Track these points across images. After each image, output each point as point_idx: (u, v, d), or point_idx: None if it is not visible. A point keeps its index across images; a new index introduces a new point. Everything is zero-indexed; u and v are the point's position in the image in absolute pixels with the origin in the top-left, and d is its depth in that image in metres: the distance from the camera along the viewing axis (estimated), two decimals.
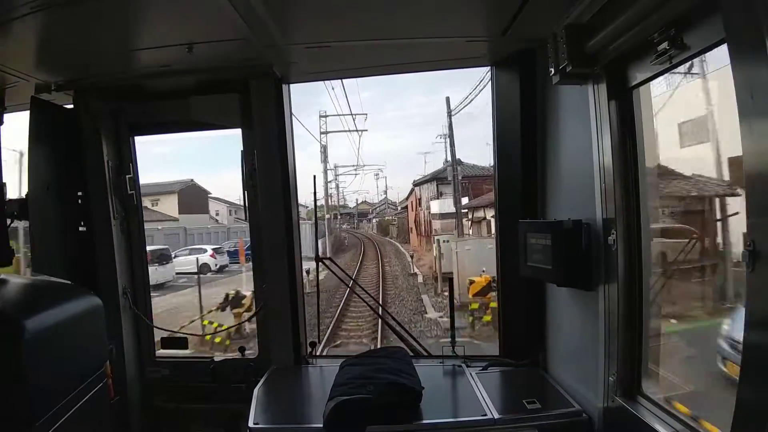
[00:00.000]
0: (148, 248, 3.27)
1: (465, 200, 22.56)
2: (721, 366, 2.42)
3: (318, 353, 2.96)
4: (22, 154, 2.67)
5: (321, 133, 28.01)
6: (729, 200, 2.72)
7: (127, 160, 2.92)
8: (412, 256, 23.50)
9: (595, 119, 1.91)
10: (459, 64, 2.81)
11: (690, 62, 1.55)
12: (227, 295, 11.39)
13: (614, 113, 1.85)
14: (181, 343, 3.31)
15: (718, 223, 2.88)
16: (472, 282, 11.73)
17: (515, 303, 2.72)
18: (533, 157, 2.56)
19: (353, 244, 37.78)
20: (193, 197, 33.38)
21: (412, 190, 37.73)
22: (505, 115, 2.66)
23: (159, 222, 25.28)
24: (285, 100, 2.78)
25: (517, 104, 2.58)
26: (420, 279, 18.77)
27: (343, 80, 17.76)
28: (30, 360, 1.48)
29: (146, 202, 15.27)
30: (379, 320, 10.32)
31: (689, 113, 2.42)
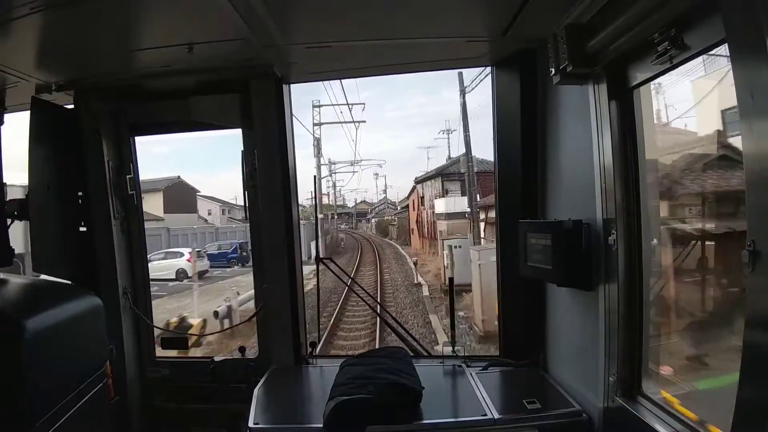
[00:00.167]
0: None
1: (465, 199, 19.67)
2: None
3: (318, 353, 2.95)
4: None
5: (314, 124, 25.95)
6: None
7: (127, 160, 2.92)
8: (415, 263, 20.33)
9: (596, 119, 1.91)
10: (459, 64, 2.82)
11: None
12: (167, 324, 7.72)
13: (614, 113, 1.84)
14: (181, 343, 3.32)
15: None
16: None
17: (515, 303, 2.72)
18: (533, 157, 2.55)
19: (350, 247, 34.66)
20: (179, 195, 31.60)
21: (413, 188, 35.05)
22: (505, 115, 2.66)
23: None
24: (285, 100, 2.78)
25: (517, 104, 2.58)
26: (426, 291, 15.75)
27: (342, 80, 17.37)
28: (30, 360, 1.48)
29: None
30: (377, 323, 10.14)
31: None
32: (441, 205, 25.33)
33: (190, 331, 8.21)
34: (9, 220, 2.52)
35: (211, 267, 21.49)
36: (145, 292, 3.05)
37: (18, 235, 2.54)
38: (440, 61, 2.80)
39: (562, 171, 2.33)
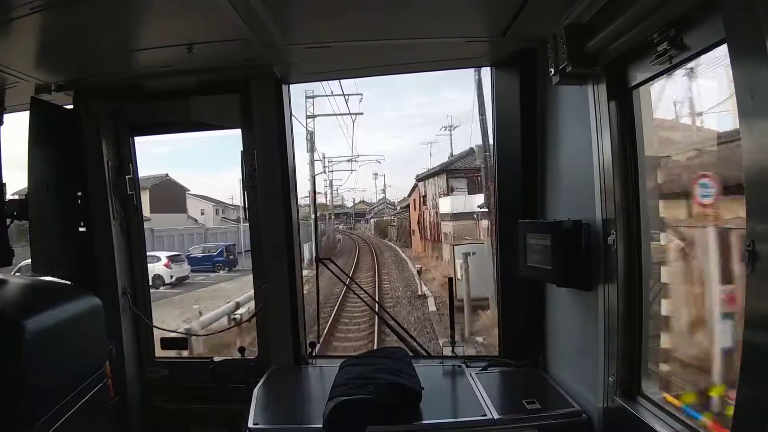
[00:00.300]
0: None
1: (481, 198, 16.87)
2: None
3: (317, 353, 2.95)
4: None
5: (307, 117, 23.04)
6: None
7: (126, 161, 2.92)
8: (419, 271, 17.06)
9: (595, 119, 1.91)
10: (459, 64, 2.82)
11: None
12: None
13: (614, 113, 1.85)
14: (181, 343, 3.31)
15: None
16: None
17: (515, 303, 2.72)
18: (533, 157, 2.56)
19: (346, 250, 31.54)
20: (167, 194, 29.40)
21: (414, 186, 32.13)
22: (505, 115, 2.66)
23: None
24: (285, 100, 2.78)
25: (517, 104, 2.58)
26: (432, 305, 13.17)
27: (341, 80, 16.95)
28: (30, 360, 1.48)
29: None
30: (375, 331, 9.85)
31: None
32: (446, 205, 22.56)
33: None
34: (9, 220, 2.52)
35: (194, 272, 19.79)
36: (145, 293, 3.05)
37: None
38: (440, 61, 2.80)
39: (562, 171, 2.34)
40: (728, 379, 1.68)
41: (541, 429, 2.00)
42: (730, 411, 1.36)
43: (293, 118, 3.00)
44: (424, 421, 2.02)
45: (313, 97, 22.63)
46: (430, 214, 26.86)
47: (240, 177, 2.89)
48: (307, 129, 22.86)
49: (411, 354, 2.69)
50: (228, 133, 3.01)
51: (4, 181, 2.56)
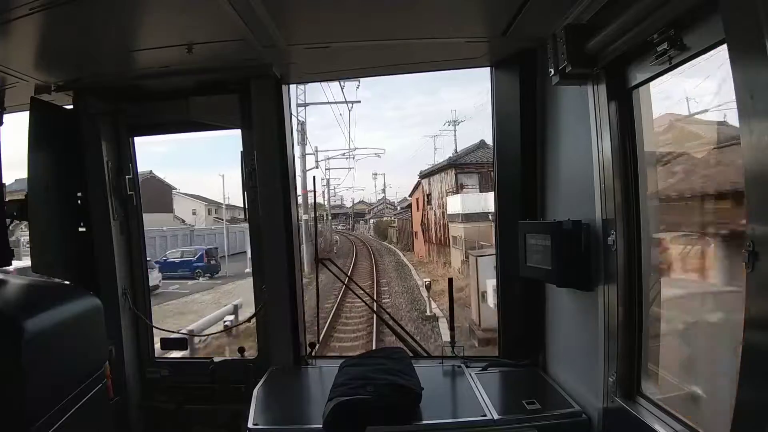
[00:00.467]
0: None
1: (491, 196, 15.23)
2: None
3: (317, 354, 2.95)
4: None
5: (298, 105, 21.11)
6: None
7: (126, 161, 2.92)
8: (428, 287, 13.64)
9: (595, 119, 1.91)
10: (459, 64, 2.81)
11: None
12: None
13: (614, 114, 1.84)
14: (181, 343, 3.31)
15: None
16: None
17: (515, 303, 2.72)
18: (533, 157, 2.56)
19: (343, 253, 29.35)
20: (151, 193, 27.45)
21: (417, 184, 29.58)
22: (505, 116, 2.66)
23: None
24: (285, 100, 2.78)
25: (517, 104, 2.58)
26: (446, 333, 10.72)
27: (341, 80, 16.70)
28: (30, 360, 1.48)
29: None
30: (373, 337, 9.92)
31: None
32: (456, 204, 19.82)
33: None
34: (9, 220, 2.52)
35: (169, 279, 17.63)
36: (145, 293, 3.05)
37: None
38: (440, 61, 2.80)
39: (562, 171, 2.33)
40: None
41: (540, 429, 2.00)
42: None
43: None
44: (424, 422, 2.02)
45: (305, 82, 21.79)
46: (435, 215, 24.57)
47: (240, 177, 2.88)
48: (297, 119, 21.08)
49: (411, 354, 2.69)
50: (228, 133, 3.01)
51: (4, 182, 2.56)
